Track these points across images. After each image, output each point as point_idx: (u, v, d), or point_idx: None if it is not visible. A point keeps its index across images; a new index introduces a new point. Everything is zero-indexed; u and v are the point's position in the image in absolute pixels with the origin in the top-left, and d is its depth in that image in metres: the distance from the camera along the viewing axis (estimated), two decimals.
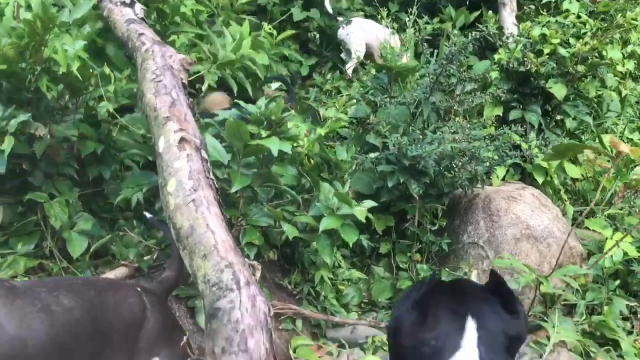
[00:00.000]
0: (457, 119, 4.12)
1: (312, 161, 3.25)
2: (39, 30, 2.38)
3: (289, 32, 5.32)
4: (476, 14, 5.61)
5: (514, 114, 4.33)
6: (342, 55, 6.42)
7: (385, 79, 3.90)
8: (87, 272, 3.03)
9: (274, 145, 2.63)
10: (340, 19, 6.36)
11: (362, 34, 6.19)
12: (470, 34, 3.23)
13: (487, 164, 3.64)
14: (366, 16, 7.43)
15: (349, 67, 6.14)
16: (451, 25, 5.61)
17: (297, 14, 6.37)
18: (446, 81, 3.40)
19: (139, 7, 3.27)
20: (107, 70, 2.90)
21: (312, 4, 6.54)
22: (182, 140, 2.38)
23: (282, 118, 2.81)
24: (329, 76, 6.35)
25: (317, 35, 6.48)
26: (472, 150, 3.47)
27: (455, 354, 1.32)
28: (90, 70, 2.80)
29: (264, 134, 2.72)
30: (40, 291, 1.69)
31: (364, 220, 2.88)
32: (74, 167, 3.12)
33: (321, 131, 3.27)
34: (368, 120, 3.70)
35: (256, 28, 6.02)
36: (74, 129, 2.92)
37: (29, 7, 2.82)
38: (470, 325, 1.35)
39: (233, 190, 2.63)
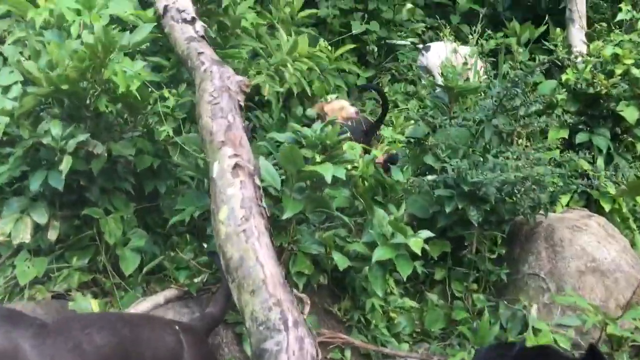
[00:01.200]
0: (519, 140, 3.94)
1: (365, 183, 3.15)
2: (100, 54, 2.39)
3: (347, 46, 5.24)
4: (542, 29, 5.36)
5: (580, 137, 4.10)
6: (423, 81, 6.25)
7: (445, 98, 3.76)
8: (138, 289, 3.03)
9: (328, 172, 2.54)
10: (420, 45, 6.21)
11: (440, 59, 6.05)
12: (537, 57, 3.06)
13: (552, 190, 3.44)
14: (427, 28, 7.30)
15: None
16: (516, 41, 5.38)
17: (357, 26, 6.30)
18: (510, 104, 3.23)
19: (199, 24, 3.25)
20: (166, 93, 2.90)
21: (372, 17, 6.46)
22: (236, 166, 2.33)
23: (337, 142, 2.73)
24: (386, 89, 6.23)
25: (376, 49, 6.39)
26: (536, 177, 3.29)
27: None
28: (149, 90, 2.80)
29: (318, 158, 2.64)
30: (72, 329, 1.68)
31: (419, 253, 2.76)
32: (131, 181, 3.14)
33: (377, 153, 3.17)
34: (426, 142, 3.57)
35: (314, 42, 6.03)
36: (131, 146, 2.93)
37: (92, 28, 2.86)
38: None
39: (285, 217, 2.56)
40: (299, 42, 4.56)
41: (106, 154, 2.79)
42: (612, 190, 3.99)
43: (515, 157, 3.25)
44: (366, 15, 6.42)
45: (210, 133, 2.46)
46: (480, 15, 7.78)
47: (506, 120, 3.24)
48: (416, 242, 2.71)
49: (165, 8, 3.38)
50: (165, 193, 3.31)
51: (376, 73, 6.63)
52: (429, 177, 3.40)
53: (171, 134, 2.94)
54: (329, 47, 5.12)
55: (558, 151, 4.04)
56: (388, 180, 3.34)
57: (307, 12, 5.32)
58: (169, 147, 3.14)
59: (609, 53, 4.05)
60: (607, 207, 4.04)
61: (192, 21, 3.26)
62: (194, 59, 2.92)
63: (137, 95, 2.69)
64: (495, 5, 7.99)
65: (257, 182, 2.35)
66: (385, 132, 3.53)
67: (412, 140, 3.62)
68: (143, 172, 3.17)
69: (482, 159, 3.36)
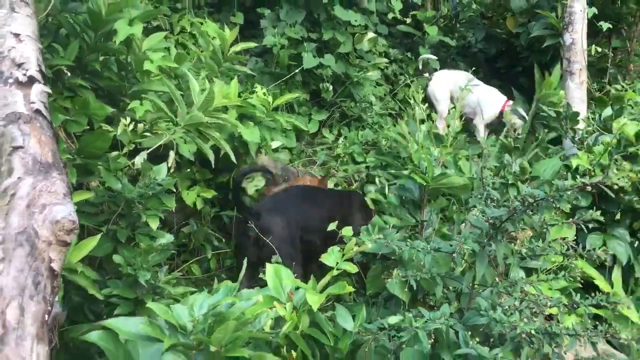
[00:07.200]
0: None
1: (293, 354, 1.95)
2: None
3: (288, 96, 4.06)
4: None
5: (593, 240, 3.00)
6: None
7: (415, 192, 2.60)
8: None
9: None
10: (426, 74, 5.66)
11: (444, 87, 5.45)
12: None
13: (566, 341, 2.32)
14: (391, 61, 6.19)
15: (440, 128, 5.07)
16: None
17: (309, 60, 5.10)
18: (514, 227, 2.09)
19: (38, 89, 1.98)
20: None
21: (327, 49, 5.28)
22: None
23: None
24: (340, 141, 5.07)
25: (331, 87, 5.21)
26: (547, 329, 2.16)
27: None
28: None
29: None
30: None
31: None
32: None
33: (313, 300, 1.98)
34: (392, 260, 2.40)
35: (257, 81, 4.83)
36: None
37: None
38: None
39: None
40: (222, 89, 3.33)
41: None
42: (633, 315, 2.91)
43: (518, 305, 2.11)
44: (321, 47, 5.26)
45: None
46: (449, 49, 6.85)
47: (507, 249, 2.11)
48: None
49: None
50: None
51: (330, 115, 5.47)
52: (391, 319, 2.21)
53: None
54: (267, 97, 3.91)
55: (560, 258, 2.94)
56: (331, 330, 2.15)
57: (242, 45, 4.10)
58: None
59: (632, 131, 2.95)
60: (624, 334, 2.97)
61: (29, 83, 2.00)
62: (3, 157, 1.68)
63: None
64: (467, 37, 6.97)
65: None
66: (328, 257, 2.30)
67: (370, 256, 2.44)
68: None
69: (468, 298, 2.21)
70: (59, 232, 1.40)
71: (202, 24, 4.54)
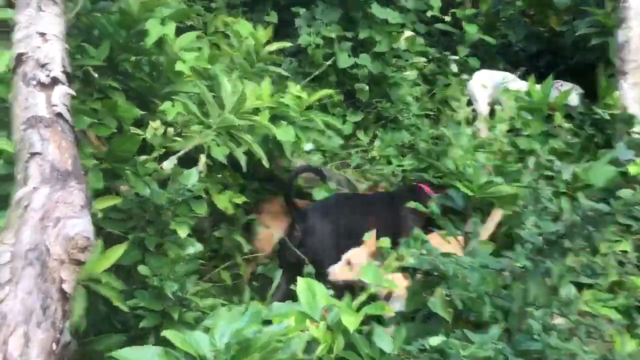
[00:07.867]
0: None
1: None
2: None
3: (323, 92, 3.89)
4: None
5: None
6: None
7: (460, 201, 2.41)
8: None
9: None
10: (465, 76, 5.59)
11: (484, 88, 5.20)
12: None
13: None
14: (429, 60, 5.98)
15: (481, 130, 4.87)
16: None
17: (344, 59, 4.94)
18: (572, 244, 1.89)
19: (61, 91, 1.87)
20: None
21: (363, 48, 5.10)
22: None
23: None
24: (376, 143, 4.88)
25: (367, 88, 5.03)
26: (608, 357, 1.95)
27: None
28: None
29: None
30: None
31: None
32: None
33: (349, 321, 1.82)
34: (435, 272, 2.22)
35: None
36: None
37: None
38: None
39: None
40: (254, 90, 3.20)
41: None
42: None
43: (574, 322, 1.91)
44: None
45: None
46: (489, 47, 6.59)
47: (562, 268, 1.90)
48: None
49: (19, 58, 2.02)
50: None
51: (365, 116, 5.28)
52: (433, 340, 2.03)
53: None
54: (301, 93, 3.76)
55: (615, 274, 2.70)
56: (367, 352, 1.98)
57: (277, 44, 3.97)
58: None
59: None
60: None
61: (51, 84, 1.89)
62: (20, 163, 1.56)
63: None
64: (508, 36, 6.70)
65: None
66: (368, 276, 2.12)
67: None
68: None
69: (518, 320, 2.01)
70: (72, 250, 1.27)
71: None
